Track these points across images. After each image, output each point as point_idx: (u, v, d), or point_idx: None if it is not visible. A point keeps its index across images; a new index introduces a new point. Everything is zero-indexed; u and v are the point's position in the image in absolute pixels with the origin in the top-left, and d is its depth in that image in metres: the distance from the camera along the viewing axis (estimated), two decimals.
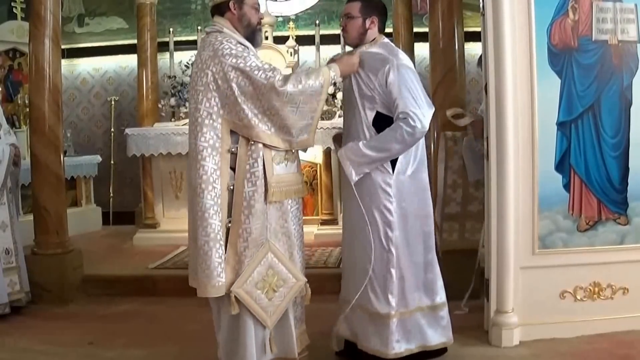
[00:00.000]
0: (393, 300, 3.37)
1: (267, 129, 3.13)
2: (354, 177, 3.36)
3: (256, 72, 3.08)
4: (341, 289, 3.64)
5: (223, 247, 3.12)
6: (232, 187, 3.16)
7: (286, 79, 3.11)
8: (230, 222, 3.16)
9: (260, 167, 3.15)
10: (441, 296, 3.52)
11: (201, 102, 3.13)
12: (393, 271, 3.36)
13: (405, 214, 3.40)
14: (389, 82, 3.30)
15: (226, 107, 3.12)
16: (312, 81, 3.17)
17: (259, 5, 3.36)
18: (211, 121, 3.12)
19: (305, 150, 3.42)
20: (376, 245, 3.36)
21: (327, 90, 3.23)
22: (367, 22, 3.43)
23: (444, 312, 3.52)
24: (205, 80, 3.12)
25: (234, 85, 3.08)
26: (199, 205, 3.10)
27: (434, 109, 3.38)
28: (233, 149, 3.15)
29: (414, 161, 3.42)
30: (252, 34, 3.31)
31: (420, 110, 3.26)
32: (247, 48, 3.21)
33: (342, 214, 3.74)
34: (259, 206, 3.15)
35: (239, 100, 3.09)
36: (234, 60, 3.08)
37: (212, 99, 3.12)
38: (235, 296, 3.11)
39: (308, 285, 3.34)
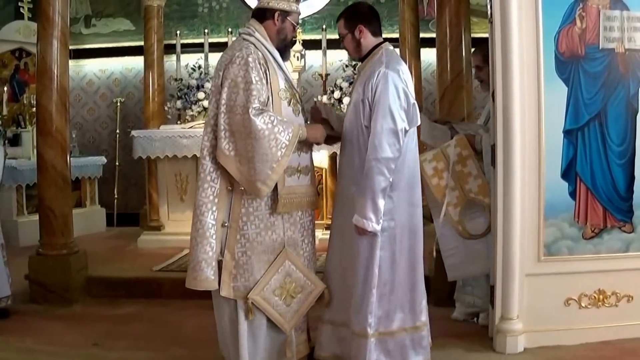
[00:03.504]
0: (372, 320, 3.30)
1: (227, 150, 3.09)
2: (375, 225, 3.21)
3: (245, 91, 3.07)
4: (330, 310, 3.49)
5: (212, 245, 3.16)
6: (230, 188, 3.20)
7: (261, 112, 3.07)
8: (226, 223, 3.19)
9: None
10: (424, 315, 3.46)
11: (210, 102, 3.24)
12: (374, 291, 3.29)
13: (393, 233, 3.32)
14: (374, 94, 3.24)
15: None
16: (282, 127, 3.08)
17: (297, 24, 3.40)
18: (213, 122, 3.19)
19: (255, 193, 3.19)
20: (360, 263, 3.30)
21: (292, 147, 3.13)
22: (356, 34, 3.40)
23: (425, 332, 3.46)
24: (217, 81, 3.22)
25: (224, 93, 3.12)
26: (195, 202, 3.20)
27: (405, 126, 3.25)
28: None
29: (405, 176, 3.34)
30: (285, 48, 3.36)
31: (381, 138, 3.17)
32: (265, 61, 3.18)
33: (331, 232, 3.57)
34: (261, 215, 3.20)
35: (222, 109, 3.11)
36: (236, 70, 3.11)
37: (216, 102, 3.19)
38: (252, 303, 3.16)
39: (327, 291, 3.39)
